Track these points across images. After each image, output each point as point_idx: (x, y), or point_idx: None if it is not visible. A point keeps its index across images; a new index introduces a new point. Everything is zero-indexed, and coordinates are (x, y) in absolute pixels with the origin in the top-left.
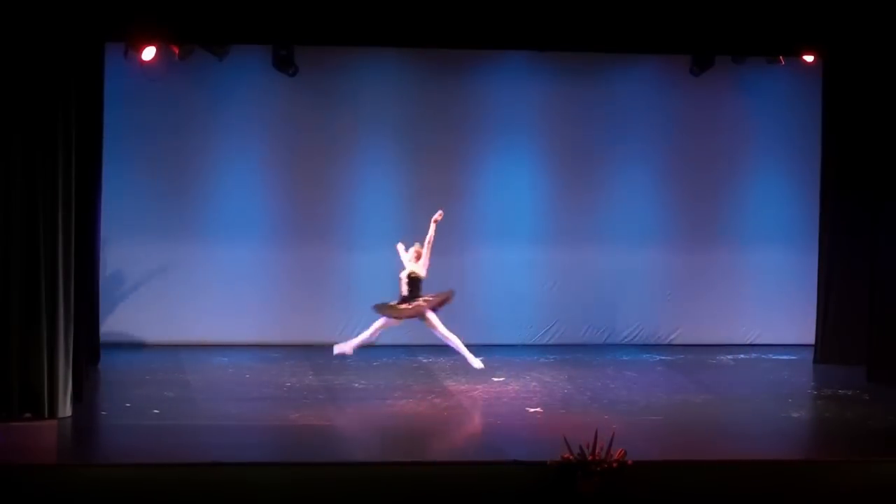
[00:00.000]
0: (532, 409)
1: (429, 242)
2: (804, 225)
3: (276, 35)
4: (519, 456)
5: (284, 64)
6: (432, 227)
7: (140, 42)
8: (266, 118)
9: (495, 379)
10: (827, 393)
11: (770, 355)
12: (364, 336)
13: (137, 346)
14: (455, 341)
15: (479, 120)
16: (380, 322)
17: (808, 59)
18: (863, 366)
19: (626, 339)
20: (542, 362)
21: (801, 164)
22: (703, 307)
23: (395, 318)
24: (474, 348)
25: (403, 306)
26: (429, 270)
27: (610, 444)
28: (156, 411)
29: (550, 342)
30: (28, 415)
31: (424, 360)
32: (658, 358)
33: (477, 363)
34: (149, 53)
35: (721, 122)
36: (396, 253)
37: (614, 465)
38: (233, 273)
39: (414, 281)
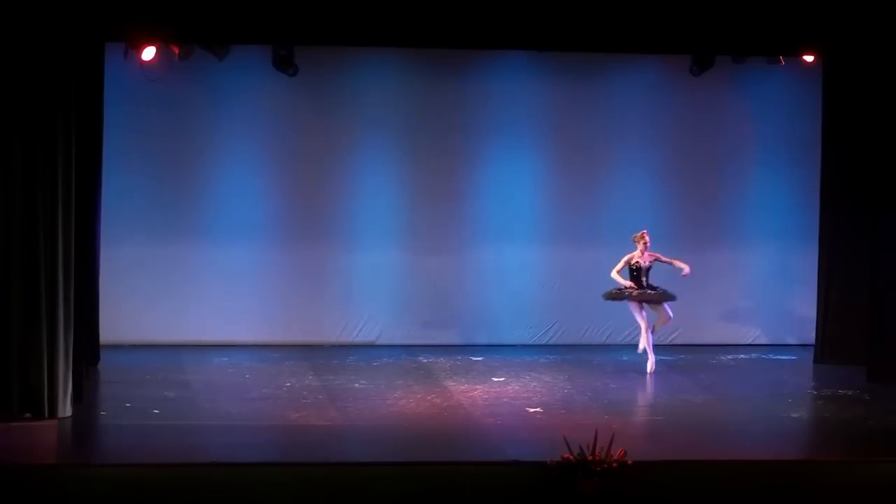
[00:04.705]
0: (532, 409)
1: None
2: (804, 225)
3: (276, 35)
4: (519, 456)
5: (284, 64)
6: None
7: (140, 42)
8: (266, 118)
9: (495, 379)
10: (827, 393)
11: (770, 355)
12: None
13: (137, 346)
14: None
15: (479, 120)
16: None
17: (808, 59)
18: (863, 366)
19: (626, 339)
20: (542, 362)
21: (801, 164)
22: (703, 307)
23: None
24: (475, 348)
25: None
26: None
27: (610, 444)
28: (156, 411)
29: (550, 342)
30: (28, 415)
31: (424, 360)
32: (658, 358)
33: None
34: (149, 53)
35: (721, 122)
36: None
37: (614, 465)
38: (233, 273)
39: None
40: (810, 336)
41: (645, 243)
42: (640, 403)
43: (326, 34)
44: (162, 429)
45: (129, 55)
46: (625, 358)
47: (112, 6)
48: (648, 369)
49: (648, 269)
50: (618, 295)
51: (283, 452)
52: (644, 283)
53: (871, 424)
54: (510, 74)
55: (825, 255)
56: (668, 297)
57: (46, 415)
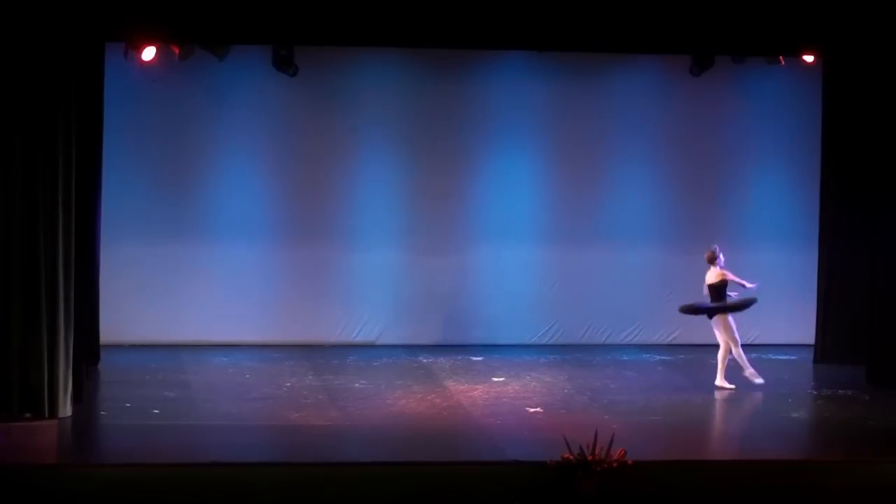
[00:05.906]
0: (532, 409)
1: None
2: (804, 225)
3: (276, 35)
4: (519, 456)
5: (284, 64)
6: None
7: (140, 42)
8: (266, 118)
9: (495, 379)
10: (827, 393)
11: (770, 355)
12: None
13: (137, 346)
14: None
15: (479, 120)
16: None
17: (808, 59)
18: (863, 366)
19: (626, 339)
20: (542, 362)
21: (800, 164)
22: None
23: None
24: (475, 348)
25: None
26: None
27: (610, 444)
28: (156, 411)
29: (550, 342)
30: (28, 415)
31: (424, 360)
32: (658, 358)
33: (757, 378)
34: (149, 53)
35: (721, 122)
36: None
37: (614, 465)
38: (233, 273)
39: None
40: (810, 336)
41: (712, 260)
42: (639, 403)
43: (326, 34)
44: (162, 429)
45: (129, 55)
46: (625, 358)
47: (112, 6)
48: (758, 381)
49: (718, 285)
50: (691, 310)
51: (283, 452)
52: (720, 298)
53: (871, 424)
54: (510, 74)
55: (825, 255)
56: (745, 304)
57: (46, 415)
